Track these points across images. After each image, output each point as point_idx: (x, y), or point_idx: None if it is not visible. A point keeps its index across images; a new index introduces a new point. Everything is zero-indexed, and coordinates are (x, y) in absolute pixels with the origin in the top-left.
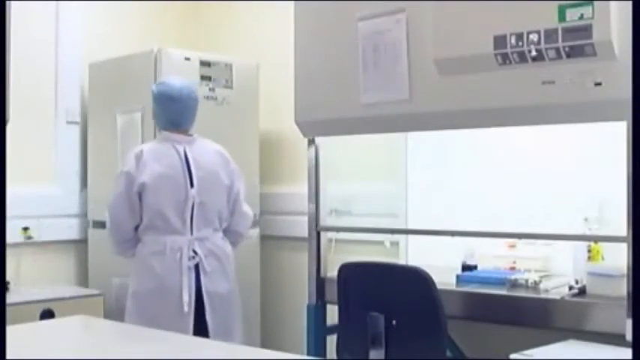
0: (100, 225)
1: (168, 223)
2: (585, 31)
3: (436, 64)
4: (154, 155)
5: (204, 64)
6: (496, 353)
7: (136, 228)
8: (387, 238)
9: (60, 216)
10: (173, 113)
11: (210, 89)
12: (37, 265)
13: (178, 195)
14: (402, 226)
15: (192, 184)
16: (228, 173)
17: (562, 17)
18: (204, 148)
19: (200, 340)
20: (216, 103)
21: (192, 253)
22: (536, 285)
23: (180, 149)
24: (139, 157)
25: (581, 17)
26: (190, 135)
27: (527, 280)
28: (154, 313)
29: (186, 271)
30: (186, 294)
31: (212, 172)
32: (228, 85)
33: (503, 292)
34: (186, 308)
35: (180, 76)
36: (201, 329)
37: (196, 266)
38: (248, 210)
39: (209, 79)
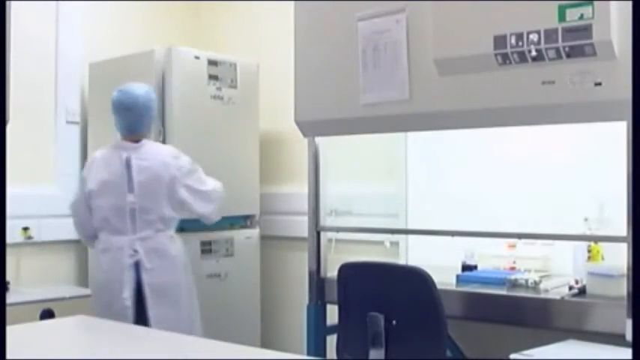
0: None
1: (111, 225)
2: (585, 31)
3: (436, 64)
4: (102, 162)
5: (212, 63)
6: (496, 353)
7: None
8: (387, 238)
9: (60, 216)
10: (126, 121)
11: (217, 88)
12: (37, 265)
13: (119, 200)
14: (402, 226)
15: (132, 190)
16: (171, 173)
17: (562, 17)
18: (150, 153)
19: (200, 340)
20: (222, 102)
21: (132, 252)
22: (536, 285)
23: (125, 156)
24: (91, 164)
25: (581, 17)
26: (138, 141)
27: (527, 280)
28: (103, 305)
29: (127, 268)
30: (126, 289)
31: (153, 177)
32: (233, 85)
33: (503, 292)
34: (127, 302)
35: (187, 75)
36: (144, 321)
37: (138, 263)
38: (208, 187)
39: (216, 78)
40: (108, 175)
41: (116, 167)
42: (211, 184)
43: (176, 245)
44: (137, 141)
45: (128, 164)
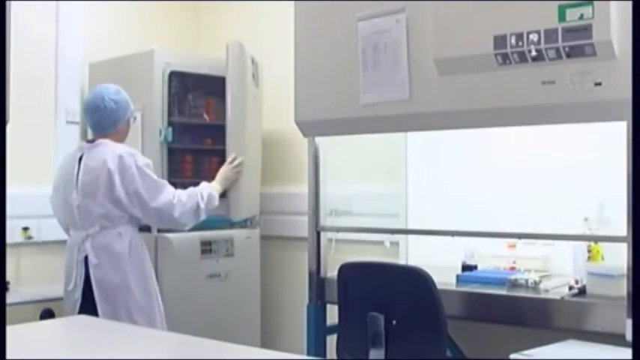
0: None
1: (66, 219)
2: (585, 31)
3: (436, 64)
4: (64, 160)
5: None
6: (496, 353)
7: None
8: (387, 238)
9: None
10: (89, 120)
11: None
12: (37, 265)
13: (67, 198)
14: (402, 226)
15: (77, 188)
16: (108, 172)
17: (562, 17)
18: (100, 154)
19: (200, 340)
20: None
21: (81, 248)
22: (536, 285)
23: (79, 155)
24: (60, 162)
25: (581, 17)
26: (93, 141)
27: (527, 280)
28: (65, 298)
29: (76, 263)
30: (72, 283)
31: (92, 176)
32: None
33: (503, 292)
34: (75, 296)
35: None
36: (94, 315)
37: (86, 259)
38: (156, 203)
39: None
40: (62, 173)
41: (70, 166)
42: (161, 201)
43: (123, 242)
44: (93, 141)
45: (79, 163)
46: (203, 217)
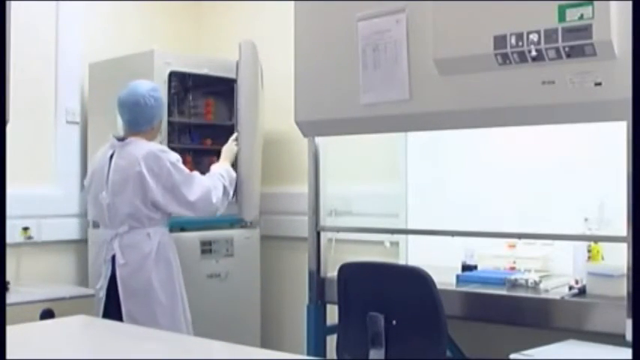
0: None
1: (96, 218)
2: (585, 31)
3: (436, 64)
4: (96, 157)
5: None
6: (496, 353)
7: None
8: (387, 238)
9: (60, 216)
10: (125, 117)
11: None
12: (37, 265)
13: (97, 196)
14: (402, 226)
15: (107, 187)
16: (139, 172)
17: (562, 17)
18: (131, 153)
19: (200, 340)
20: None
21: (109, 246)
22: (536, 285)
23: (110, 153)
24: (93, 158)
25: (581, 17)
26: (124, 139)
27: (527, 280)
28: (95, 295)
29: (104, 261)
30: (100, 282)
31: (123, 176)
32: None
33: (503, 292)
34: (100, 294)
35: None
36: (118, 315)
37: (113, 258)
38: (192, 197)
39: None
40: (94, 171)
41: (101, 164)
42: (198, 192)
43: (151, 243)
44: (124, 139)
45: (110, 162)
46: (231, 193)
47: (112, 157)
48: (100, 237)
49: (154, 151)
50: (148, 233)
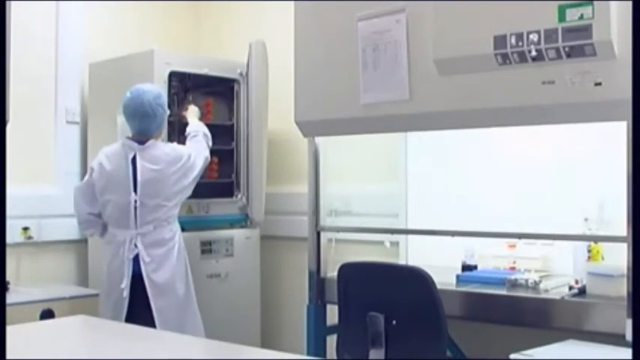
0: None
1: (115, 219)
2: (585, 31)
3: (436, 64)
4: (110, 159)
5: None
6: (496, 353)
7: (99, 215)
8: (387, 238)
9: (60, 216)
10: (136, 121)
11: None
12: (37, 265)
13: (122, 198)
14: (402, 226)
15: (135, 189)
16: (177, 171)
17: (562, 17)
18: (155, 154)
19: (200, 340)
20: None
21: (132, 246)
22: (536, 285)
23: (131, 155)
24: (101, 157)
25: (581, 17)
26: (144, 142)
27: (527, 280)
28: (104, 295)
29: (127, 261)
30: (124, 281)
31: (156, 177)
32: None
33: (503, 292)
34: (124, 294)
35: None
36: (146, 314)
37: (137, 257)
38: (204, 161)
39: None
40: (114, 172)
41: (122, 165)
42: (202, 159)
43: (174, 240)
44: (144, 141)
45: (134, 164)
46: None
47: (134, 159)
48: (118, 237)
49: (177, 148)
50: (171, 229)
